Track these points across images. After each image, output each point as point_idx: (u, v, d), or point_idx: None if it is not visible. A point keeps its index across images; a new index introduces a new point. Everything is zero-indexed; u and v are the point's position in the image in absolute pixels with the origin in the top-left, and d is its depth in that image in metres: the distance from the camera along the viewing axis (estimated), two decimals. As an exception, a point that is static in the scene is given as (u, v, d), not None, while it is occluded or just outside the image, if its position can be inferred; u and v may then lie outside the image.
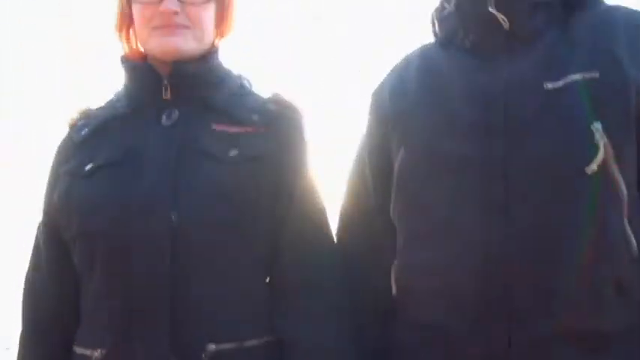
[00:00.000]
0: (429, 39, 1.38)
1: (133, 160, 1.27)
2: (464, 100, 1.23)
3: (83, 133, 1.35)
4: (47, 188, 1.38)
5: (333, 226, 1.39)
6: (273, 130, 1.32)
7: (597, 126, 1.13)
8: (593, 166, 1.11)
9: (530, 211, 1.14)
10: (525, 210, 1.14)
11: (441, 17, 1.32)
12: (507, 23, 1.22)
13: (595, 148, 1.12)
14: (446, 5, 1.32)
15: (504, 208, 1.15)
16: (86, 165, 1.29)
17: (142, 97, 1.34)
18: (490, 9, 1.21)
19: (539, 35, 1.22)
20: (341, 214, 1.42)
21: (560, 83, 1.17)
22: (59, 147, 1.40)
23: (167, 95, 1.32)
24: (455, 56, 1.28)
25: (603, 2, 1.27)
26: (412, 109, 1.29)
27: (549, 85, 1.17)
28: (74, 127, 1.38)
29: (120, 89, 1.41)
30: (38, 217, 1.42)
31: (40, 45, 3.22)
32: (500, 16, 1.21)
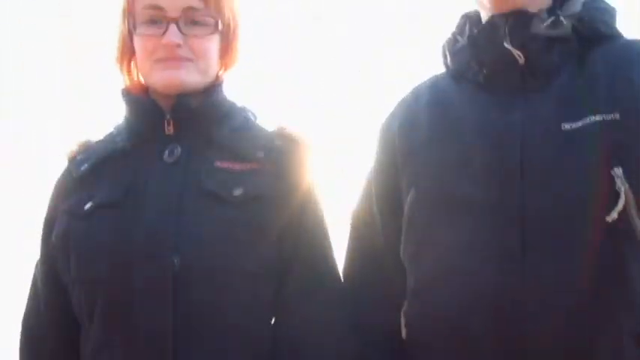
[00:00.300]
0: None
1: (133, 199, 1.24)
2: (478, 138, 1.18)
3: (82, 168, 1.31)
4: (45, 225, 1.34)
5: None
6: (279, 167, 1.29)
7: (618, 171, 1.07)
8: (614, 215, 1.06)
9: (547, 259, 1.08)
10: (542, 258, 1.08)
11: (454, 50, 1.28)
12: (523, 59, 1.17)
13: (615, 195, 1.06)
14: (459, 38, 1.28)
15: (520, 256, 1.09)
16: (85, 204, 1.26)
17: (143, 132, 1.31)
18: (505, 44, 1.17)
19: (555, 72, 1.17)
20: (349, 251, 1.37)
21: (579, 124, 1.11)
22: (58, 181, 1.36)
23: (169, 130, 1.29)
24: (468, 90, 1.24)
25: (621, 36, 1.22)
26: (423, 146, 1.24)
27: (567, 126, 1.11)
28: (73, 161, 1.34)
29: (120, 122, 1.37)
30: (36, 252, 1.37)
31: (40, 45, 3.22)
32: (516, 52, 1.17)
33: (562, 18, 1.19)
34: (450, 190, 1.18)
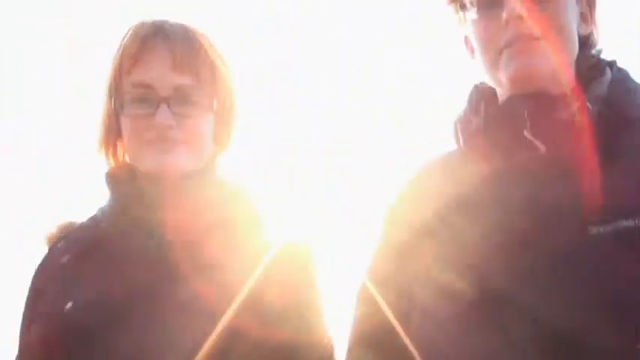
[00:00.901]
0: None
1: (119, 299, 1.13)
2: (494, 237, 1.05)
3: (63, 260, 1.22)
4: (23, 320, 1.24)
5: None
6: (276, 269, 1.18)
7: None
8: None
9: None
10: None
11: (468, 132, 1.16)
12: (544, 148, 1.06)
13: None
14: (472, 118, 1.16)
15: None
16: (65, 304, 1.16)
17: (129, 222, 1.21)
18: (526, 133, 1.06)
19: (580, 163, 1.03)
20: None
21: (608, 228, 0.98)
22: (37, 270, 1.27)
23: (156, 219, 1.18)
24: (484, 176, 1.11)
25: None
26: (435, 238, 1.12)
27: (594, 230, 0.98)
28: (54, 250, 1.25)
29: (104, 205, 1.27)
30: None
31: (40, 45, 3.22)
32: (538, 143, 1.05)
33: (588, 103, 1.08)
34: (462, 290, 1.06)
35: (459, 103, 1.27)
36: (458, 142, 1.21)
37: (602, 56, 1.20)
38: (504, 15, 1.09)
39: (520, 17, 1.08)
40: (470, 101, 1.21)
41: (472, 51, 1.20)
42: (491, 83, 1.19)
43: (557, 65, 1.11)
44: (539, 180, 1.06)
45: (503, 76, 1.12)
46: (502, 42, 1.11)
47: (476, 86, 1.24)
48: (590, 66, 1.15)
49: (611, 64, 1.17)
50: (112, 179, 1.26)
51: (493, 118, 1.13)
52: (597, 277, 0.96)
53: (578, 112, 1.07)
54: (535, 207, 1.04)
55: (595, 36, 1.18)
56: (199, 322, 1.11)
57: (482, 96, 1.20)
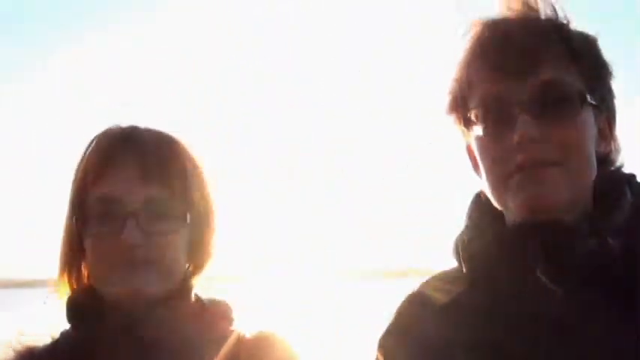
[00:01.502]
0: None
1: None
2: None
3: None
4: None
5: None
6: None
7: None
8: None
9: None
10: None
11: (473, 264, 1.02)
12: (561, 292, 0.93)
13: None
14: (476, 245, 1.02)
15: None
16: None
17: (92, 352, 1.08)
18: (539, 274, 0.93)
19: (600, 308, 0.92)
20: None
21: None
22: None
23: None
24: (491, 320, 0.98)
25: None
26: None
27: None
28: None
29: (68, 332, 1.15)
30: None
31: (40, 45, 3.22)
32: (552, 286, 0.93)
33: (609, 238, 0.95)
34: None
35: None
36: (460, 266, 1.07)
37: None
38: (515, 137, 0.95)
39: (533, 140, 0.95)
40: (471, 218, 1.08)
41: (476, 165, 1.06)
42: (496, 204, 1.04)
43: (573, 193, 0.97)
44: (555, 331, 0.94)
45: (511, 202, 0.99)
46: (512, 165, 0.97)
47: (478, 199, 1.09)
48: (609, 185, 1.02)
49: (631, 180, 1.04)
50: (74, 310, 1.13)
51: (500, 253, 0.99)
52: None
53: (597, 247, 0.94)
54: None
55: (614, 152, 1.05)
56: None
57: (486, 216, 1.06)
